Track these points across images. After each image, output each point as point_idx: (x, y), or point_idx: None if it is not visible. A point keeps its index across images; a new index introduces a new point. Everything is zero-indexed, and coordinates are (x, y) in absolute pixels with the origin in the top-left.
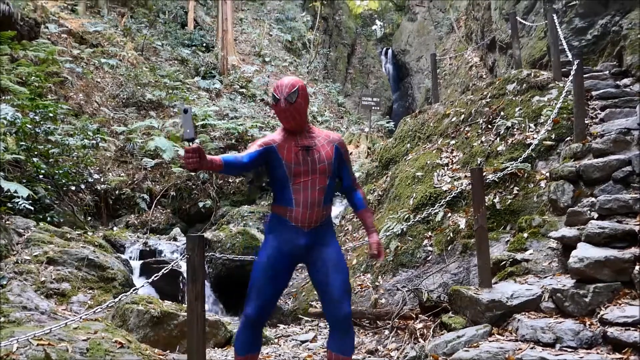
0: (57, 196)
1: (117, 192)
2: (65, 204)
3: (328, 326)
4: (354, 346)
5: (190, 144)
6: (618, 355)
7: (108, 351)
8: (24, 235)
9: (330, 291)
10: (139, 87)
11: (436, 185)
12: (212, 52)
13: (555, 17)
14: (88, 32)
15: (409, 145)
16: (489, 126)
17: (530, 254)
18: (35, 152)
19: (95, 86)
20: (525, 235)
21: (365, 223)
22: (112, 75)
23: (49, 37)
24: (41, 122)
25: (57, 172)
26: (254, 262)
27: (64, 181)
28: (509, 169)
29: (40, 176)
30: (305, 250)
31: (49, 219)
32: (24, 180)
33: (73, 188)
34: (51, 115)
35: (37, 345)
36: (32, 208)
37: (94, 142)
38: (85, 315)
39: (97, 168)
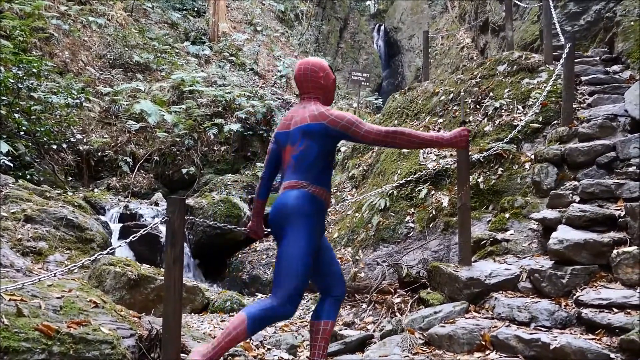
0: (37, 154)
1: (99, 153)
2: (45, 163)
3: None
4: None
5: None
6: (591, 336)
7: (82, 310)
8: (2, 191)
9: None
10: (126, 49)
11: (421, 163)
12: (203, 17)
13: (550, 1)
14: None
15: (396, 121)
16: (477, 106)
17: (511, 234)
18: (17, 108)
19: (81, 45)
20: (507, 215)
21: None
22: (100, 34)
23: None
24: (24, 78)
25: (38, 129)
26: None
27: (45, 139)
28: (494, 149)
29: (22, 133)
30: None
31: (28, 176)
32: (5, 136)
33: (54, 147)
34: (35, 71)
35: (9, 300)
36: (12, 165)
37: (78, 101)
38: (61, 272)
39: (80, 128)
